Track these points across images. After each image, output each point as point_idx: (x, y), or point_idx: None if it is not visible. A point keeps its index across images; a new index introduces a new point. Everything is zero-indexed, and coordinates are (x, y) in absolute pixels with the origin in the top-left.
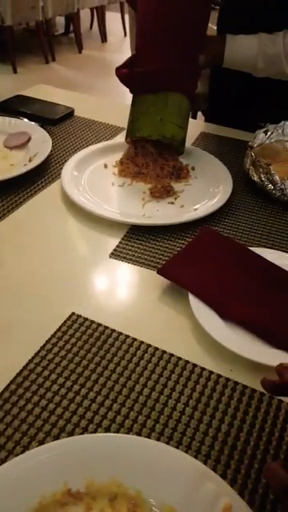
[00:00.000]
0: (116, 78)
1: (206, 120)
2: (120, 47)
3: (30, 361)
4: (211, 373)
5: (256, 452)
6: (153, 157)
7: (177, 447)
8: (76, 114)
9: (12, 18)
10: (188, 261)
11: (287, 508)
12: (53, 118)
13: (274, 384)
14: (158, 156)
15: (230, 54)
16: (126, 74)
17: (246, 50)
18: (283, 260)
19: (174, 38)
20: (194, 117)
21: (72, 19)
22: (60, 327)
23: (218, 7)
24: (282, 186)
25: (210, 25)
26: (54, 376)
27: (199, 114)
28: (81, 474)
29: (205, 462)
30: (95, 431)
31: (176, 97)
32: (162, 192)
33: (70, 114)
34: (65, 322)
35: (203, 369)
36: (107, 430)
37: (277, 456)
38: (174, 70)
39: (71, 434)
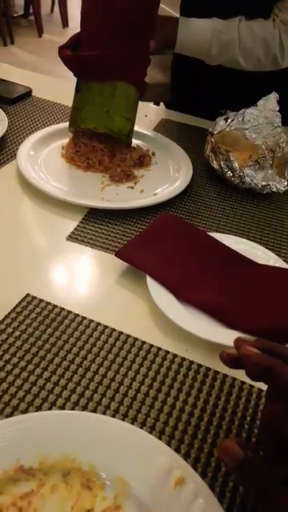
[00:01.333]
0: None
1: (168, 108)
2: None
3: None
4: (167, 352)
5: (209, 427)
6: (103, 152)
7: (132, 424)
8: (34, 94)
9: None
10: (146, 244)
11: (239, 481)
12: (9, 98)
13: (231, 357)
14: (109, 152)
15: (183, 38)
16: (69, 57)
17: (199, 34)
18: (240, 245)
19: (122, 21)
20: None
21: (32, 1)
22: (14, 308)
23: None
24: (241, 173)
25: (164, 7)
26: (7, 356)
27: (161, 104)
28: (33, 451)
29: (159, 438)
30: (49, 410)
31: (124, 87)
32: (122, 176)
33: (27, 93)
34: (19, 302)
35: (159, 349)
36: (62, 408)
37: (229, 431)
38: (122, 57)
39: (24, 412)
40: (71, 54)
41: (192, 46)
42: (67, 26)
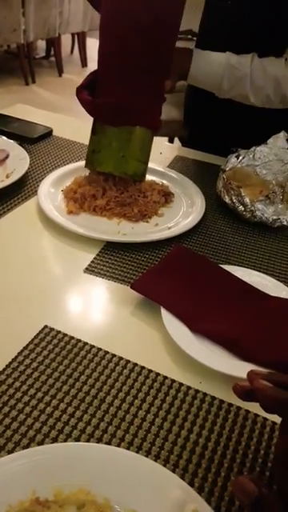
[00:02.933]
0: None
1: (183, 145)
2: None
3: (1, 372)
4: (181, 384)
5: (223, 461)
6: (118, 198)
7: (146, 456)
8: (54, 133)
9: None
10: (161, 276)
11: None
12: (31, 137)
13: (244, 390)
14: (126, 196)
15: (196, 70)
16: (89, 102)
17: (212, 67)
18: (252, 277)
19: (140, 65)
20: (171, 142)
21: (53, 43)
22: (32, 339)
23: (194, 38)
24: (252, 208)
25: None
26: (24, 387)
27: (176, 139)
28: (49, 483)
29: (173, 471)
30: (65, 441)
31: (140, 132)
32: (138, 217)
33: (48, 133)
34: (37, 334)
35: (173, 381)
36: (77, 440)
37: (243, 464)
38: (139, 103)
39: (41, 443)
40: (89, 99)
41: (204, 78)
42: (86, 66)
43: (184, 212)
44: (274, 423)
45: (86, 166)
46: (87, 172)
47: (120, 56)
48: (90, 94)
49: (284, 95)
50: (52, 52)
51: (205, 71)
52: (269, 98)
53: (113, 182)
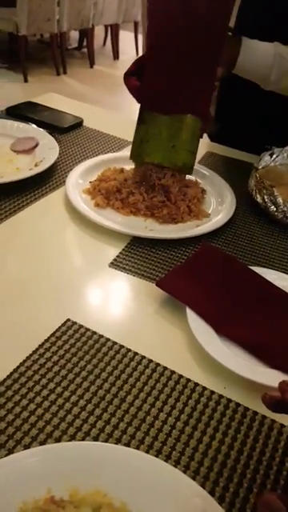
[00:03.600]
0: (125, 95)
1: (212, 141)
2: None
3: (22, 364)
4: (204, 389)
5: (246, 471)
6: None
7: (165, 461)
8: (85, 124)
9: (27, 29)
10: (187, 275)
11: None
12: (62, 127)
13: (274, 400)
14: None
15: (244, 60)
16: (138, 87)
17: (261, 58)
18: (283, 281)
19: (192, 52)
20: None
21: (86, 34)
22: (54, 332)
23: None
24: (285, 208)
25: None
26: (44, 381)
27: (205, 136)
28: (65, 482)
29: (193, 478)
30: (83, 439)
31: (191, 120)
32: (168, 219)
33: (79, 123)
34: (59, 327)
35: (197, 384)
36: (95, 439)
37: (266, 476)
38: (191, 90)
39: (58, 440)
40: (139, 86)
41: (252, 68)
42: (118, 58)
43: (213, 210)
44: None
45: (132, 157)
46: (116, 165)
47: (171, 42)
48: (138, 80)
49: None
50: (84, 43)
51: (253, 62)
52: None
53: (145, 188)
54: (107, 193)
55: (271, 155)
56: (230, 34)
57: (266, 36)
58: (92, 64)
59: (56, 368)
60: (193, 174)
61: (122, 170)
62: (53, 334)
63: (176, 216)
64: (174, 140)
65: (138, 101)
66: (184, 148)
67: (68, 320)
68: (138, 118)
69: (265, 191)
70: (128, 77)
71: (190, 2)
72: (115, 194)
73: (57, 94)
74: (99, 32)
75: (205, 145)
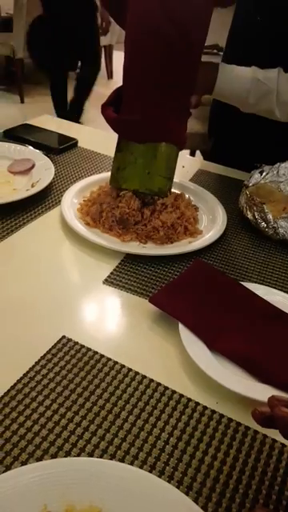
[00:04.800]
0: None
1: (205, 159)
2: None
3: (18, 381)
4: (197, 404)
5: (238, 486)
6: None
7: (159, 476)
8: (79, 145)
9: (23, 52)
10: (180, 291)
11: None
12: (57, 148)
13: (264, 416)
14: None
15: (222, 85)
16: (114, 119)
17: (238, 82)
18: (273, 296)
19: (165, 82)
20: (193, 155)
21: None
22: (50, 350)
23: (220, 53)
24: (275, 225)
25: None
26: (40, 398)
27: (198, 153)
28: (61, 497)
29: (186, 493)
30: (78, 455)
31: (166, 148)
32: (164, 240)
33: (73, 144)
34: (55, 344)
35: (189, 399)
36: (90, 455)
37: (258, 491)
38: (164, 120)
39: (54, 456)
40: (114, 116)
41: (230, 92)
42: (112, 78)
43: (205, 227)
44: None
45: (111, 183)
46: (105, 183)
47: (144, 72)
48: (115, 110)
49: None
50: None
51: (231, 86)
52: None
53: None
54: (96, 216)
55: (261, 173)
56: (217, 51)
57: (254, 62)
58: None
59: (52, 385)
60: (185, 191)
61: (104, 191)
62: (49, 351)
63: (172, 236)
64: (149, 167)
65: (115, 131)
66: (159, 174)
67: (63, 337)
68: (116, 146)
69: (255, 208)
70: (105, 107)
71: (163, 36)
72: (110, 221)
73: (51, 116)
74: None
75: (197, 163)
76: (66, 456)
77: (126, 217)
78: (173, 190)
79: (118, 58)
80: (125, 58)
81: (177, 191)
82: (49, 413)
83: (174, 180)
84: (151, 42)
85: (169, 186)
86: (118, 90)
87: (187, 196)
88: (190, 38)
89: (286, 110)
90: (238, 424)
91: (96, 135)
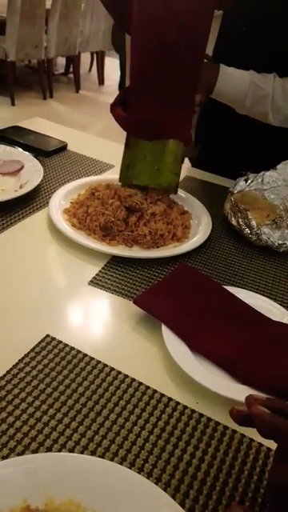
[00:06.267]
0: (109, 119)
1: (192, 166)
2: (116, 91)
3: (1, 378)
4: (178, 403)
5: (215, 483)
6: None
7: (138, 473)
8: (69, 148)
9: (15, 55)
10: (164, 293)
11: None
12: (46, 150)
13: (241, 415)
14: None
15: (222, 86)
16: (123, 117)
17: (238, 84)
18: (254, 300)
19: (170, 81)
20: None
21: (73, 61)
22: (34, 348)
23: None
24: (258, 231)
25: None
26: (23, 394)
27: (186, 160)
28: (41, 492)
29: (164, 490)
30: (59, 451)
31: (173, 144)
32: (151, 244)
33: (63, 147)
34: (39, 343)
35: (170, 399)
36: (71, 451)
37: (235, 489)
38: (172, 118)
39: (35, 452)
40: (124, 115)
41: (229, 94)
42: (103, 83)
43: (191, 231)
44: (269, 449)
45: (120, 180)
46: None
47: (150, 72)
48: (123, 109)
49: None
50: (71, 69)
51: (230, 87)
52: (286, 119)
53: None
54: (81, 219)
55: (246, 180)
56: (207, 61)
57: (241, 69)
58: (78, 89)
59: (35, 382)
60: (172, 197)
61: (93, 194)
62: (32, 349)
63: (159, 241)
64: (159, 163)
65: (124, 129)
66: (168, 170)
67: (47, 336)
68: (125, 144)
69: (239, 214)
70: (114, 107)
71: (168, 37)
72: (94, 225)
73: (42, 119)
74: (85, 58)
75: (184, 169)
76: (46, 452)
77: (110, 225)
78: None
79: (110, 64)
80: (131, 59)
81: (175, 200)
82: (31, 409)
83: None
84: (155, 42)
85: (177, 181)
86: (125, 90)
87: (180, 203)
88: (192, 39)
89: (279, 114)
90: (217, 423)
91: (86, 139)
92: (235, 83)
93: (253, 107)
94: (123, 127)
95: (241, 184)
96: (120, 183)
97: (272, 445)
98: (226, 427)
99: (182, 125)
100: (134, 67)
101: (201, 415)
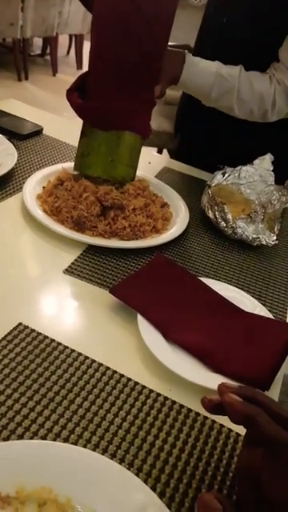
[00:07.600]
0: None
1: (171, 158)
2: None
3: None
4: (151, 391)
5: (186, 468)
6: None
7: (111, 459)
8: (45, 132)
9: None
10: (140, 284)
11: None
12: (21, 133)
13: (212, 404)
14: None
15: (187, 77)
16: (79, 104)
17: (203, 76)
18: (228, 292)
19: (129, 71)
20: (160, 153)
21: (50, 42)
22: (5, 336)
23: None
24: (234, 225)
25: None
26: None
27: (165, 151)
28: (12, 479)
29: (137, 474)
30: (31, 439)
31: (129, 137)
32: (131, 236)
33: (38, 131)
34: (11, 331)
35: (144, 387)
36: (43, 438)
37: (205, 472)
38: (128, 108)
39: (7, 439)
40: (79, 102)
41: (194, 86)
42: (81, 68)
43: (168, 222)
44: (238, 435)
45: (75, 169)
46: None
47: (109, 60)
48: (80, 96)
49: (266, 110)
50: (48, 51)
51: (195, 79)
52: (252, 112)
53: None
54: (54, 209)
55: (223, 174)
56: (184, 51)
57: (222, 60)
58: (55, 72)
59: (6, 370)
60: (151, 188)
61: (62, 184)
62: (4, 338)
63: (139, 233)
64: (113, 155)
65: (79, 116)
66: (122, 162)
67: (20, 324)
68: (81, 131)
69: (216, 208)
70: (70, 92)
71: (129, 25)
72: (65, 216)
73: (18, 101)
74: (63, 41)
75: (163, 160)
76: (18, 439)
77: (84, 220)
78: (151, 189)
79: (89, 48)
80: (91, 43)
81: (154, 191)
82: (2, 397)
83: (140, 175)
84: (117, 31)
85: (132, 174)
86: (84, 75)
87: (159, 195)
88: (155, 28)
89: (244, 108)
90: (189, 410)
91: (62, 124)
92: (201, 75)
93: (218, 100)
94: (78, 114)
95: (218, 177)
96: (74, 172)
97: (241, 430)
98: (197, 413)
99: (140, 117)
100: (93, 51)
101: (173, 402)
